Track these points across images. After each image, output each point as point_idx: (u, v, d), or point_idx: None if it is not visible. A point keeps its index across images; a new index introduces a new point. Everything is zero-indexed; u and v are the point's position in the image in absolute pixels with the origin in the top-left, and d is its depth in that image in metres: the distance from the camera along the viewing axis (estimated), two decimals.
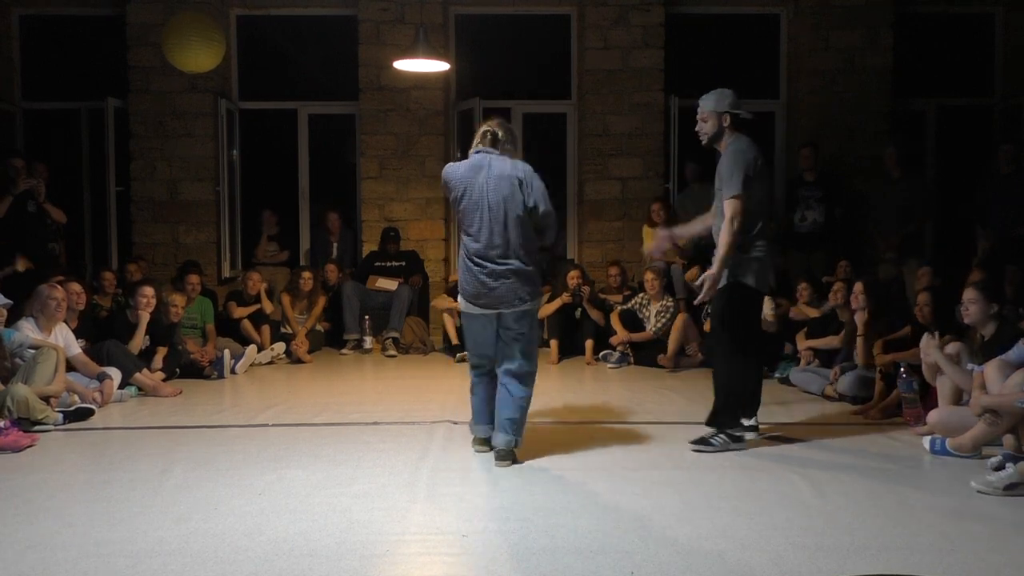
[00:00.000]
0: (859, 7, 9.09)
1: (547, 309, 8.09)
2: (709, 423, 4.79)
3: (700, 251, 7.97)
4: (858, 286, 6.10)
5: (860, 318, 6.02)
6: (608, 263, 8.70)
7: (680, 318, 7.45)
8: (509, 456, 4.50)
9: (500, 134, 4.60)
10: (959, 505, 3.87)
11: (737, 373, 4.77)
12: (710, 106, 4.70)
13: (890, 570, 3.11)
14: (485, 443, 4.70)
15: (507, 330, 4.54)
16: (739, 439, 4.76)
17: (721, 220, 4.63)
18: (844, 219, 8.50)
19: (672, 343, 7.39)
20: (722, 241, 4.58)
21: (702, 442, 4.73)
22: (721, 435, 4.72)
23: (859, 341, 5.99)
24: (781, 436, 5.05)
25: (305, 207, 9.85)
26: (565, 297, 7.97)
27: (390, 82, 9.13)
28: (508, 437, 4.50)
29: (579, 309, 7.99)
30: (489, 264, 4.46)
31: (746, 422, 4.80)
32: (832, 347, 6.50)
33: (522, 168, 4.52)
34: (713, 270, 4.60)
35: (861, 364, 5.99)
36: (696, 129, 4.80)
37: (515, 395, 4.56)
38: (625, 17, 9.18)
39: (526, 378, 4.62)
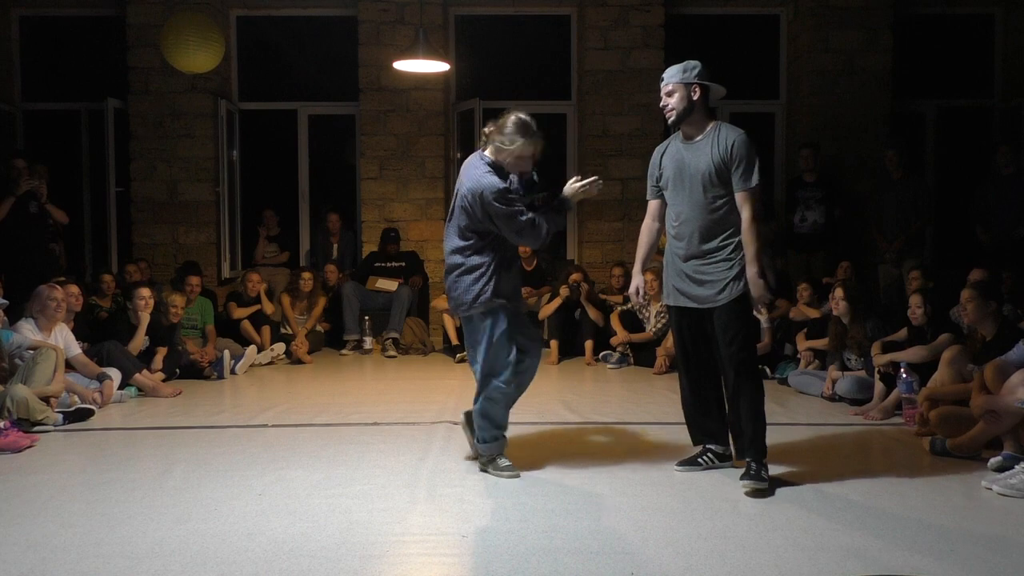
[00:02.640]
0: (859, 8, 9.09)
1: (547, 309, 8.11)
2: (752, 457, 4.14)
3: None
4: (838, 291, 6.12)
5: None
6: (612, 264, 8.72)
7: None
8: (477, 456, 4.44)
9: (488, 131, 4.33)
10: (959, 505, 3.88)
11: (759, 393, 4.20)
12: (676, 77, 4.18)
13: (890, 570, 3.11)
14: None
15: None
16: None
17: (694, 211, 4.18)
18: (844, 220, 8.51)
19: (669, 346, 7.36)
20: (754, 236, 4.09)
21: (754, 477, 4.05)
22: (765, 466, 4.13)
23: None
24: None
25: (305, 208, 9.86)
26: (564, 291, 7.97)
27: (390, 83, 9.13)
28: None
29: (579, 309, 7.99)
30: None
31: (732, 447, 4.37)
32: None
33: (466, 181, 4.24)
34: (752, 273, 4.09)
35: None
36: (661, 105, 4.27)
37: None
38: (625, 18, 9.19)
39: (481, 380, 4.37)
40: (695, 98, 4.16)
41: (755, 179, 4.13)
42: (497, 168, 4.25)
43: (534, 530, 3.54)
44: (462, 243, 4.26)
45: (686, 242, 4.23)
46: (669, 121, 4.27)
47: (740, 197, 4.13)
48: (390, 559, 3.28)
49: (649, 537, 3.46)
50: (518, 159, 4.26)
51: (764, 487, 4.03)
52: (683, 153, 4.25)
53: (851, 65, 9.16)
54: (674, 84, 4.18)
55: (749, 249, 4.12)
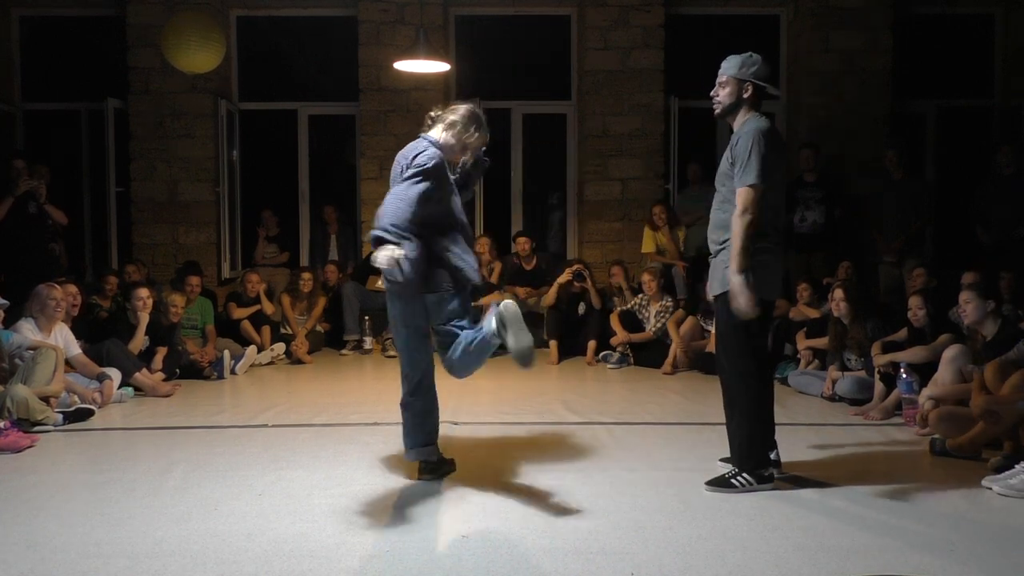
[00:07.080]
0: (859, 8, 9.09)
1: (549, 296, 8.13)
2: (736, 463, 4.10)
3: (701, 257, 7.98)
4: (838, 292, 6.12)
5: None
6: (609, 263, 8.71)
7: (689, 321, 7.42)
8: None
9: (434, 115, 4.32)
10: (959, 505, 3.88)
11: (758, 400, 4.05)
12: (732, 71, 4.03)
13: (890, 570, 3.11)
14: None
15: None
16: (767, 479, 4.05)
17: (722, 212, 4.05)
18: (844, 220, 8.50)
19: (677, 347, 7.35)
20: (735, 234, 3.86)
21: (721, 483, 4.05)
22: (744, 475, 4.03)
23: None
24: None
25: (305, 208, 9.86)
26: (567, 274, 7.98)
27: (390, 83, 9.13)
28: None
29: (581, 303, 8.00)
30: None
31: (772, 455, 4.17)
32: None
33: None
34: (732, 271, 3.87)
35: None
36: (711, 94, 4.13)
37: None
38: (625, 18, 9.19)
39: None
40: (745, 96, 4.03)
41: (745, 179, 3.87)
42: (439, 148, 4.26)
43: (534, 530, 3.54)
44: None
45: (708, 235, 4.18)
46: (715, 113, 4.16)
47: (737, 193, 3.91)
48: (390, 559, 3.28)
49: (649, 537, 3.46)
50: (464, 149, 4.30)
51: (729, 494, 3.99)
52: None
53: (851, 65, 9.15)
54: (728, 77, 4.05)
55: (732, 247, 3.90)
